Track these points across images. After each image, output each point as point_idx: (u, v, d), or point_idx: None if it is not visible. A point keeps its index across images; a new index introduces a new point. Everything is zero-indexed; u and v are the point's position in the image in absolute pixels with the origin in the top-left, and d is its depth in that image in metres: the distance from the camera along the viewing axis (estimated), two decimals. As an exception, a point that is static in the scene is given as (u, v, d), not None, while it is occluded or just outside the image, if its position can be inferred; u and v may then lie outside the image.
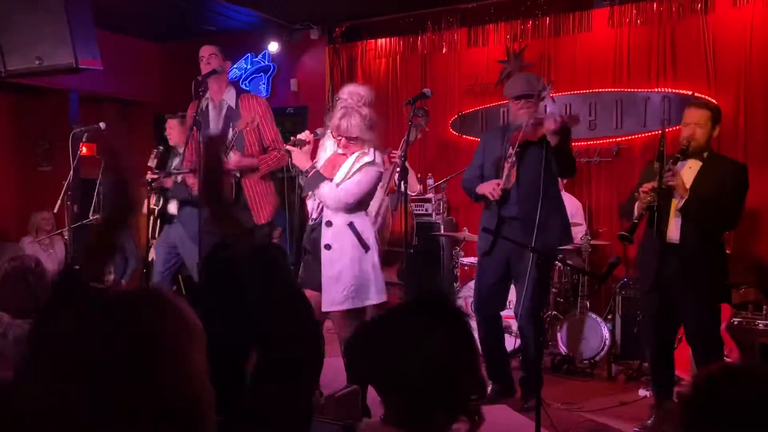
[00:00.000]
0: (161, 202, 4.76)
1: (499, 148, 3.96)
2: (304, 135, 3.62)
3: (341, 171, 3.53)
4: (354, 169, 3.49)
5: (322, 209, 3.56)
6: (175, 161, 4.81)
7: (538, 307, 3.90)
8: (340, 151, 3.59)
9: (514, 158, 3.85)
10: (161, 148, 5.14)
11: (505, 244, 3.81)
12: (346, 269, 3.47)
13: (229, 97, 4.36)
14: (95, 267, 1.28)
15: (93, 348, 0.88)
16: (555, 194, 3.96)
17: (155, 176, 4.65)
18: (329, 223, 3.51)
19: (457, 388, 1.39)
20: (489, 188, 3.88)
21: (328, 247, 3.49)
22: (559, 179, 4.23)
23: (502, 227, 3.89)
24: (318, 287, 3.56)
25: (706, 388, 1.12)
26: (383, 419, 1.41)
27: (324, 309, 3.44)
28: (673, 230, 3.50)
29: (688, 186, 3.45)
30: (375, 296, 3.56)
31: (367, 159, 3.50)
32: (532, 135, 3.76)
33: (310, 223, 3.65)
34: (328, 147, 3.73)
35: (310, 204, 3.65)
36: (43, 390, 0.86)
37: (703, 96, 5.32)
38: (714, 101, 3.81)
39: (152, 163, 4.85)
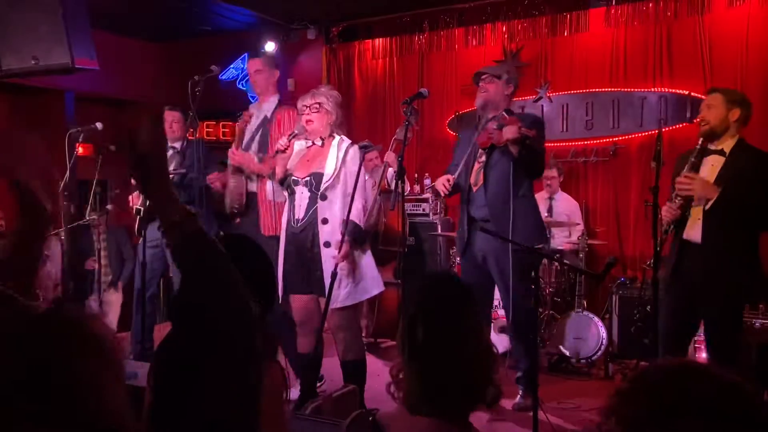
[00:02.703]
0: (147, 201, 4.72)
1: (467, 145, 3.95)
2: (282, 143, 3.64)
3: (330, 162, 3.55)
4: (340, 157, 3.56)
5: (309, 211, 3.54)
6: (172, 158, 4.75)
7: (523, 306, 3.76)
8: (308, 144, 3.66)
9: (483, 159, 3.85)
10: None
11: (480, 244, 3.83)
12: (349, 272, 3.51)
13: (269, 106, 4.44)
14: (20, 282, 1.25)
15: None
16: (525, 193, 3.86)
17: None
18: (325, 221, 3.51)
19: (478, 367, 1.42)
20: (439, 184, 3.88)
21: (327, 244, 3.49)
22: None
23: (473, 229, 3.88)
24: (306, 290, 3.56)
25: (628, 392, 1.08)
26: (403, 405, 1.43)
27: (331, 306, 3.46)
28: (696, 231, 3.34)
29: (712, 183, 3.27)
30: (374, 288, 3.64)
31: (346, 143, 3.63)
32: (497, 140, 3.71)
33: (293, 226, 3.60)
34: (296, 147, 3.74)
35: (297, 202, 3.61)
36: None
37: (700, 96, 5.32)
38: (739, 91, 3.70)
39: None
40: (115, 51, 6.68)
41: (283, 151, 3.64)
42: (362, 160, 3.71)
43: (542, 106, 6.13)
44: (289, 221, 3.63)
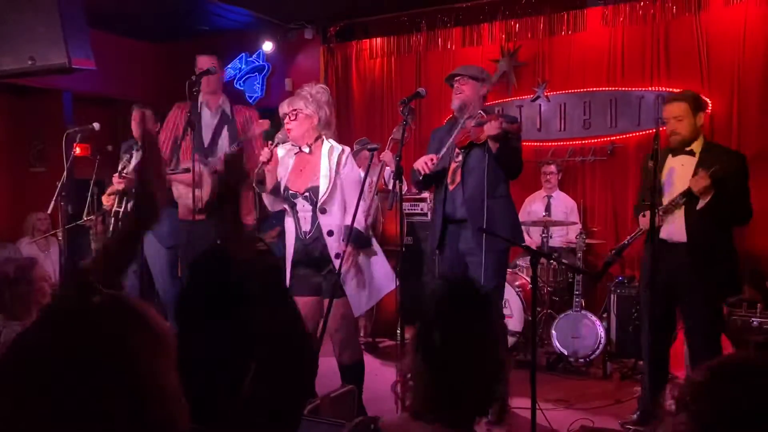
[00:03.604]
0: (123, 203, 4.63)
1: (444, 141, 3.86)
2: (264, 155, 3.54)
3: (323, 175, 3.47)
4: (333, 167, 3.48)
5: (314, 223, 3.49)
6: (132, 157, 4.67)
7: (497, 300, 3.80)
8: (296, 150, 3.57)
9: (460, 158, 3.78)
10: (131, 153, 4.91)
11: (457, 244, 3.78)
12: (360, 276, 3.51)
13: (225, 103, 4.47)
14: (111, 273, 1.25)
15: (55, 360, 0.84)
16: (502, 194, 3.78)
17: (122, 180, 4.51)
18: (330, 233, 3.46)
19: (491, 378, 1.40)
20: (421, 162, 3.79)
21: (338, 255, 3.45)
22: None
23: (450, 228, 3.83)
24: (311, 293, 3.54)
25: (706, 386, 1.09)
26: (410, 413, 1.41)
27: (356, 315, 3.56)
28: (675, 230, 3.48)
29: (687, 183, 3.41)
30: (388, 285, 3.64)
31: (337, 150, 3.52)
32: (476, 137, 3.66)
33: (301, 238, 3.54)
34: (280, 153, 3.64)
35: (301, 215, 3.55)
36: (6, 400, 0.83)
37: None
38: (694, 92, 3.81)
39: (120, 168, 4.66)
40: (113, 51, 6.68)
41: (268, 162, 3.51)
42: (371, 159, 3.67)
43: (540, 105, 6.14)
44: (296, 233, 3.56)
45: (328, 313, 3.35)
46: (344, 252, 3.40)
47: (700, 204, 3.39)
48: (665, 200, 3.54)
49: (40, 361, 0.85)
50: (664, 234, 3.51)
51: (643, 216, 3.59)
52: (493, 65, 6.24)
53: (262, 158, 3.53)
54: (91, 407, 0.83)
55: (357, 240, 3.43)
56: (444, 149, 3.83)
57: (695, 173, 3.44)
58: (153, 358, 0.89)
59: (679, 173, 3.54)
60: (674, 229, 3.50)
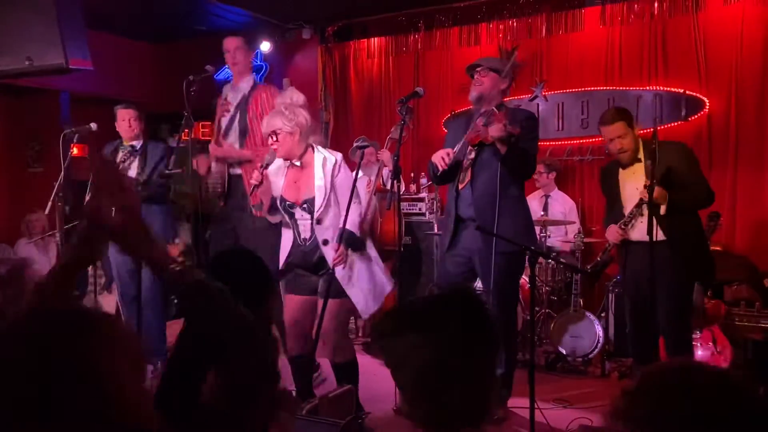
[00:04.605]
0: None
1: (459, 136, 3.78)
2: (254, 178, 3.53)
3: (318, 189, 3.47)
4: (328, 180, 3.46)
5: (313, 232, 3.50)
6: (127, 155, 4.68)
7: (505, 311, 3.72)
8: (287, 163, 3.57)
9: (471, 156, 3.71)
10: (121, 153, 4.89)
11: (466, 243, 3.74)
12: (363, 278, 3.53)
13: (246, 86, 4.57)
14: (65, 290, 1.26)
15: (15, 364, 0.85)
16: (514, 194, 3.70)
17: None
18: (326, 242, 3.48)
19: (481, 396, 1.36)
20: (438, 156, 3.71)
21: (336, 261, 3.47)
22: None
23: (460, 227, 3.77)
24: (308, 292, 3.55)
25: (637, 393, 1.09)
26: (396, 410, 1.41)
27: (364, 317, 3.67)
28: (640, 231, 3.59)
29: (642, 186, 3.57)
30: (389, 285, 3.66)
31: (330, 161, 3.50)
32: (485, 136, 3.60)
33: (300, 244, 3.56)
34: (273, 171, 3.63)
35: (299, 223, 3.56)
36: None
37: (695, 94, 5.35)
38: (620, 106, 4.09)
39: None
40: (110, 51, 6.66)
41: (259, 185, 3.50)
42: (361, 158, 3.68)
43: (538, 105, 6.14)
44: (295, 240, 3.57)
45: (323, 313, 3.36)
46: (337, 251, 3.40)
47: (663, 210, 3.54)
48: (626, 212, 3.71)
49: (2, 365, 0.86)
50: (637, 235, 3.65)
51: (614, 230, 3.75)
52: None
53: (253, 181, 3.52)
54: (51, 408, 0.84)
55: (350, 241, 3.44)
56: (458, 145, 3.74)
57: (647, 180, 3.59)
58: (116, 367, 0.89)
59: (632, 182, 3.71)
60: (642, 228, 3.58)
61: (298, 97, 3.64)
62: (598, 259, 3.91)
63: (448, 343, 1.33)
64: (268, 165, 3.55)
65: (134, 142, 4.70)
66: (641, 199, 3.60)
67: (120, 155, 4.65)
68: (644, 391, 1.06)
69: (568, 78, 6.04)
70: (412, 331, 1.35)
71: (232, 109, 4.53)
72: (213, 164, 4.46)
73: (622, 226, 3.67)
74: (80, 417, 0.85)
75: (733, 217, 5.34)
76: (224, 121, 4.56)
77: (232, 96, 4.57)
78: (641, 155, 3.70)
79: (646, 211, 3.54)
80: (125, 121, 4.71)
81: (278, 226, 3.73)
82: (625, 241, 3.71)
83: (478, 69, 3.80)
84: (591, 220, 5.93)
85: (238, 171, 4.46)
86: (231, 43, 4.60)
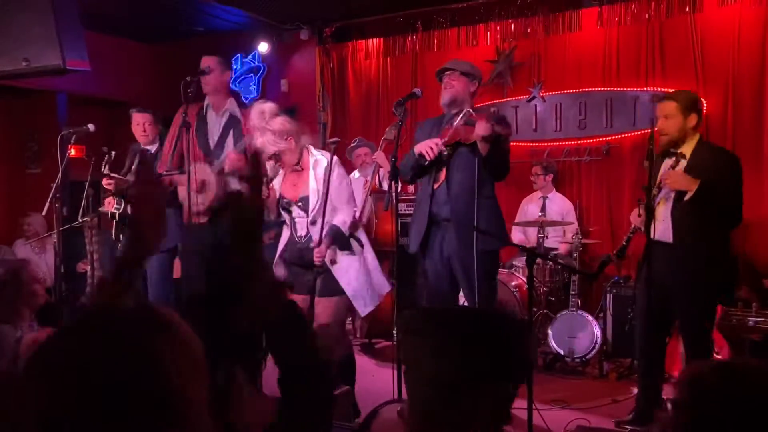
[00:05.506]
0: (122, 205, 4.64)
1: (432, 136, 3.74)
2: (263, 194, 3.57)
3: (312, 190, 3.52)
4: (320, 176, 3.50)
5: (308, 228, 3.56)
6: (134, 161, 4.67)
7: (490, 303, 3.70)
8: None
9: (445, 154, 3.66)
10: (113, 153, 4.83)
11: (443, 246, 3.67)
12: (360, 278, 3.57)
13: (232, 105, 4.37)
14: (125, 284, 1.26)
15: (82, 369, 0.83)
16: (489, 194, 3.68)
17: (111, 181, 4.52)
18: (318, 242, 3.51)
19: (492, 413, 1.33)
20: (425, 146, 3.60)
21: (333, 262, 3.51)
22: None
23: (433, 228, 3.72)
24: (305, 291, 3.57)
25: (697, 388, 1.10)
26: (400, 414, 1.39)
27: (363, 315, 3.90)
28: (664, 230, 3.46)
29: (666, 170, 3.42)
30: (387, 286, 3.73)
31: (322, 164, 3.52)
32: (465, 136, 3.58)
33: (296, 240, 3.62)
34: (277, 182, 3.69)
35: (296, 220, 3.62)
36: (32, 404, 0.83)
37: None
38: (690, 91, 3.82)
39: (105, 169, 4.65)
40: (108, 52, 6.65)
41: (267, 198, 3.55)
42: (333, 153, 3.61)
43: (535, 105, 6.14)
44: (291, 236, 3.64)
45: (312, 309, 3.44)
46: (316, 246, 3.43)
47: (687, 195, 3.34)
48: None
49: (67, 369, 0.84)
50: (657, 234, 3.49)
51: (639, 215, 3.60)
52: (489, 66, 6.26)
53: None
54: (116, 417, 0.82)
55: (335, 237, 3.47)
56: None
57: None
58: (182, 369, 0.87)
59: (663, 170, 3.53)
60: (664, 228, 3.48)
61: (270, 107, 3.57)
62: (624, 243, 3.70)
63: (472, 360, 1.27)
64: (273, 179, 3.63)
65: (149, 147, 4.70)
66: (660, 182, 3.42)
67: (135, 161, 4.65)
68: (701, 397, 1.07)
69: (565, 79, 6.05)
70: (440, 336, 1.30)
71: (213, 128, 4.33)
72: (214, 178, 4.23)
73: (642, 210, 3.54)
74: (141, 418, 0.83)
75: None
76: (209, 142, 4.33)
77: (215, 116, 4.35)
78: (687, 152, 3.44)
79: (668, 202, 3.44)
80: (140, 125, 4.72)
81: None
82: (647, 241, 3.55)
83: (448, 72, 3.82)
84: (589, 221, 5.93)
85: (237, 187, 4.32)
86: (203, 63, 4.37)
